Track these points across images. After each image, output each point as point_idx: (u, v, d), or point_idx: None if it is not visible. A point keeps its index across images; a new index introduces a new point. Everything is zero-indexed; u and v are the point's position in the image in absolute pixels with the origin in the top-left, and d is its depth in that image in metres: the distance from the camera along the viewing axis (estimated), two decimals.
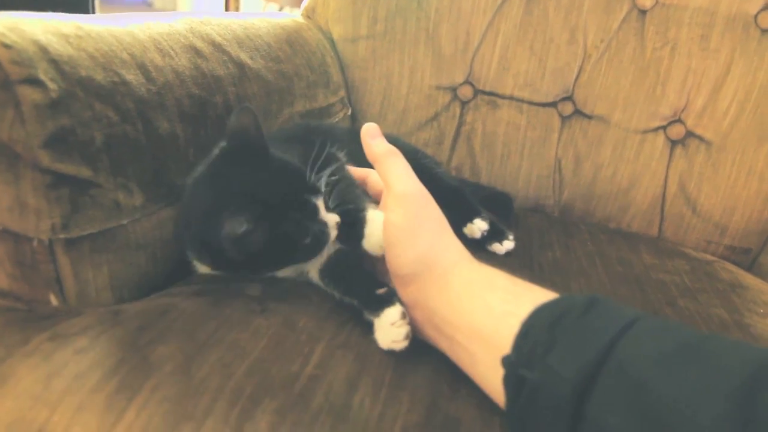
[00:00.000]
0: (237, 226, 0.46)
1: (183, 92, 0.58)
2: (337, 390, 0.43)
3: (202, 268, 0.57)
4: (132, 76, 0.53)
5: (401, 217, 0.47)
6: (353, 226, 0.52)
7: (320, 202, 0.53)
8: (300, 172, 0.53)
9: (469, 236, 0.72)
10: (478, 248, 0.74)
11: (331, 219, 0.53)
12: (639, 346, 0.33)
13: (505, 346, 0.38)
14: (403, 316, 0.47)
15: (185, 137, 0.58)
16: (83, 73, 0.48)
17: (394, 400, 0.43)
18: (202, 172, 0.54)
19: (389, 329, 0.47)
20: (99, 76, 0.50)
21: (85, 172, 0.48)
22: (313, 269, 0.57)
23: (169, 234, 0.57)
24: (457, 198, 0.76)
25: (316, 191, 0.53)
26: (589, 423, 0.32)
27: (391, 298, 0.48)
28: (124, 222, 0.52)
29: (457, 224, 0.72)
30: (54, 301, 0.50)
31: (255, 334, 0.47)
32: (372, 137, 0.51)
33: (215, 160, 0.54)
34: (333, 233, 0.53)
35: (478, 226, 0.72)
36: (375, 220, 0.51)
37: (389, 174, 0.49)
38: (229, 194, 0.51)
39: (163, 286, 0.56)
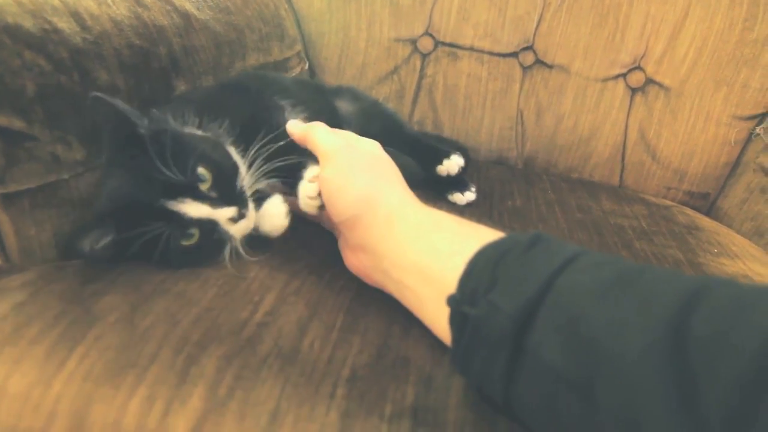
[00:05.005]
0: (86, 243, 0.46)
1: (122, 42, 0.55)
2: (287, 335, 0.42)
3: None
4: (65, 24, 0.50)
5: (330, 169, 0.48)
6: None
7: (195, 205, 0.48)
8: (163, 175, 0.46)
9: (446, 173, 0.71)
10: (438, 198, 0.74)
11: (223, 214, 0.49)
12: (577, 279, 0.33)
13: (451, 286, 0.38)
14: (284, 199, 0.53)
15: (127, 89, 0.56)
16: (10, 19, 0.46)
17: (345, 342, 0.43)
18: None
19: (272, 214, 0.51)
20: (28, 24, 0.47)
21: (17, 123, 0.46)
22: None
23: None
24: (421, 144, 0.75)
25: (187, 191, 0.48)
26: (529, 356, 0.32)
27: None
28: (65, 177, 0.51)
29: (430, 166, 0.71)
30: None
31: (204, 284, 0.47)
32: (292, 127, 0.54)
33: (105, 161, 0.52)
34: (234, 227, 0.50)
35: (455, 162, 0.71)
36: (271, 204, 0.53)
37: (314, 141, 0.51)
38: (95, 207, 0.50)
39: None
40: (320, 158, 0.50)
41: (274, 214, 0.53)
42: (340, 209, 0.47)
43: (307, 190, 0.50)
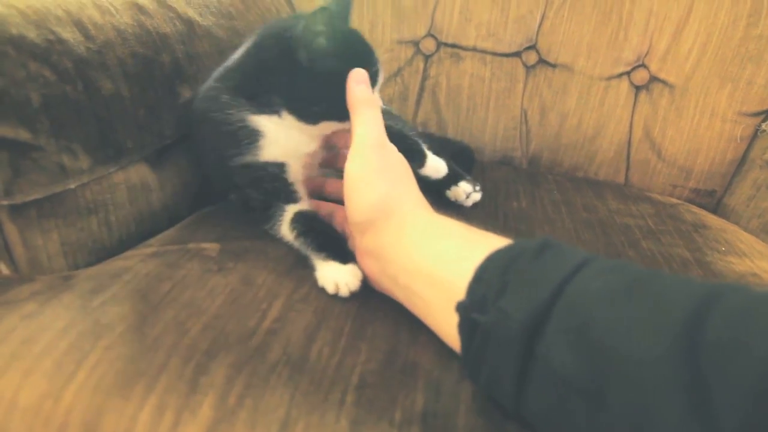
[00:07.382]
0: (316, 23, 0.49)
1: (126, 51, 0.56)
2: (295, 342, 0.42)
3: (262, 123, 0.54)
4: (69, 35, 0.50)
5: (359, 165, 0.48)
6: None
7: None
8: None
9: (453, 199, 0.71)
10: (444, 200, 0.73)
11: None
12: (588, 286, 0.33)
13: (460, 292, 0.38)
14: (361, 277, 0.49)
15: (131, 97, 0.56)
16: (14, 30, 0.46)
17: (353, 349, 0.43)
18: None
19: (344, 274, 0.48)
20: (32, 34, 0.47)
21: (23, 135, 0.46)
22: (287, 217, 0.56)
23: (122, 198, 0.56)
24: (406, 143, 0.74)
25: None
26: (539, 362, 0.32)
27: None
28: (72, 186, 0.51)
29: (440, 188, 0.70)
30: (4, 269, 0.49)
31: (211, 292, 0.47)
32: (357, 82, 0.50)
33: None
34: None
35: (463, 189, 0.70)
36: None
37: (359, 122, 0.49)
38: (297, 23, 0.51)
39: (120, 252, 0.55)
40: (353, 145, 0.48)
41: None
42: (357, 210, 0.47)
43: None
